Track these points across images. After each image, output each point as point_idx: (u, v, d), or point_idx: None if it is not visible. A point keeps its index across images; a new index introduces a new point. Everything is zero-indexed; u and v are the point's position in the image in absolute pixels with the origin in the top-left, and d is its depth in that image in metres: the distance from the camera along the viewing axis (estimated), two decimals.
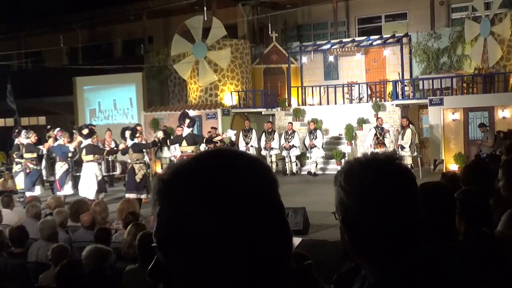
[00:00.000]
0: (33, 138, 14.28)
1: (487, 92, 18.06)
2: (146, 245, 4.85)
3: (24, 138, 14.30)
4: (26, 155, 13.99)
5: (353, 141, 19.07)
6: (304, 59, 22.23)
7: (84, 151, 12.53)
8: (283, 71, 22.44)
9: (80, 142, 12.95)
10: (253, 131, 18.90)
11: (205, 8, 20.87)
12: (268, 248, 1.02)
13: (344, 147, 18.96)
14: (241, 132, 18.63)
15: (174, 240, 1.03)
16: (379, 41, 20.80)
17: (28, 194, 13.44)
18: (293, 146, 18.10)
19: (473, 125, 17.34)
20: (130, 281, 4.79)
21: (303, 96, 21.94)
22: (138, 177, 11.68)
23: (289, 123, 18.84)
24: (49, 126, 15.70)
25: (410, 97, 19.35)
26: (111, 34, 27.57)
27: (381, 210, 1.38)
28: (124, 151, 12.76)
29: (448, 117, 17.86)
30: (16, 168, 14.67)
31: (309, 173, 17.92)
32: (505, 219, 3.39)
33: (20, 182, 14.33)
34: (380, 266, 1.39)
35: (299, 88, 22.12)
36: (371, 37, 21.25)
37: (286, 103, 21.29)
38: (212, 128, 17.87)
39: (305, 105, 21.53)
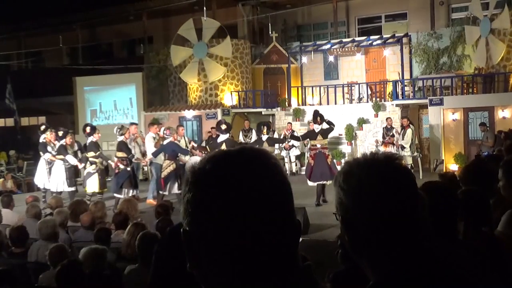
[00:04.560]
0: (127, 134, 13.35)
1: (487, 92, 18.06)
2: (146, 245, 4.85)
3: (93, 136, 13.43)
4: (118, 154, 13.04)
5: (353, 141, 19.06)
6: (304, 59, 22.23)
7: (224, 145, 12.77)
8: (283, 71, 22.44)
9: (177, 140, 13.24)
10: (253, 131, 18.88)
11: (205, 8, 20.88)
12: (276, 249, 1.06)
13: (344, 147, 18.96)
14: (240, 132, 18.63)
15: (191, 229, 1.08)
16: (379, 41, 20.80)
17: (118, 196, 12.52)
18: (293, 146, 18.09)
19: (473, 125, 17.34)
20: (130, 281, 4.79)
21: (303, 96, 21.94)
22: None
23: (289, 123, 18.82)
24: (88, 127, 13.96)
25: (410, 97, 19.34)
26: (111, 34, 27.57)
27: (380, 210, 1.38)
28: (259, 143, 13.13)
29: (448, 117, 17.86)
30: (89, 168, 13.21)
31: None
32: (505, 219, 3.39)
33: (91, 185, 13.17)
34: (380, 266, 1.39)
35: (299, 88, 22.12)
36: (371, 37, 21.25)
37: (286, 103, 21.29)
38: (212, 128, 17.86)
39: (305, 105, 21.53)
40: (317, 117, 12.96)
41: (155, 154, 13.80)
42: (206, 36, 21.41)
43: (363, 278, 1.48)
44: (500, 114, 16.97)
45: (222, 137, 13.24)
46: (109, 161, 13.65)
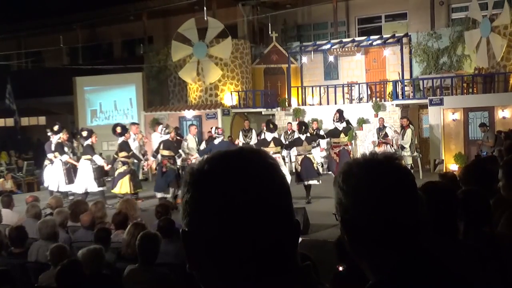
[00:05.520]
0: (172, 133, 13.31)
1: (487, 92, 18.05)
2: (146, 245, 4.86)
3: (128, 136, 13.43)
4: (164, 152, 12.83)
5: (353, 141, 19.04)
6: (304, 59, 22.23)
7: (272, 143, 13.69)
8: (283, 71, 22.44)
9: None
10: (253, 131, 18.87)
11: (205, 8, 20.88)
12: (274, 249, 1.06)
13: None
14: (240, 132, 18.63)
15: (190, 229, 1.09)
16: (379, 41, 20.80)
17: (159, 195, 12.47)
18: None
19: (473, 125, 17.33)
20: (130, 281, 4.79)
21: (303, 96, 21.93)
22: (315, 165, 13.54)
23: (289, 123, 18.84)
24: (119, 127, 13.52)
25: (410, 97, 19.34)
26: (111, 34, 27.56)
27: (379, 210, 1.38)
28: (299, 142, 13.74)
29: (448, 117, 17.85)
30: (121, 169, 13.00)
31: None
32: (505, 219, 3.39)
33: (122, 185, 12.89)
34: (380, 266, 1.39)
35: (299, 88, 22.11)
36: (371, 37, 21.25)
37: (286, 103, 21.29)
38: (212, 128, 17.83)
39: (305, 105, 21.52)
40: (341, 116, 14.01)
41: (201, 154, 13.91)
42: (209, 37, 21.35)
43: (363, 278, 1.48)
44: (500, 114, 16.97)
45: (269, 135, 13.98)
46: (142, 161, 13.62)
